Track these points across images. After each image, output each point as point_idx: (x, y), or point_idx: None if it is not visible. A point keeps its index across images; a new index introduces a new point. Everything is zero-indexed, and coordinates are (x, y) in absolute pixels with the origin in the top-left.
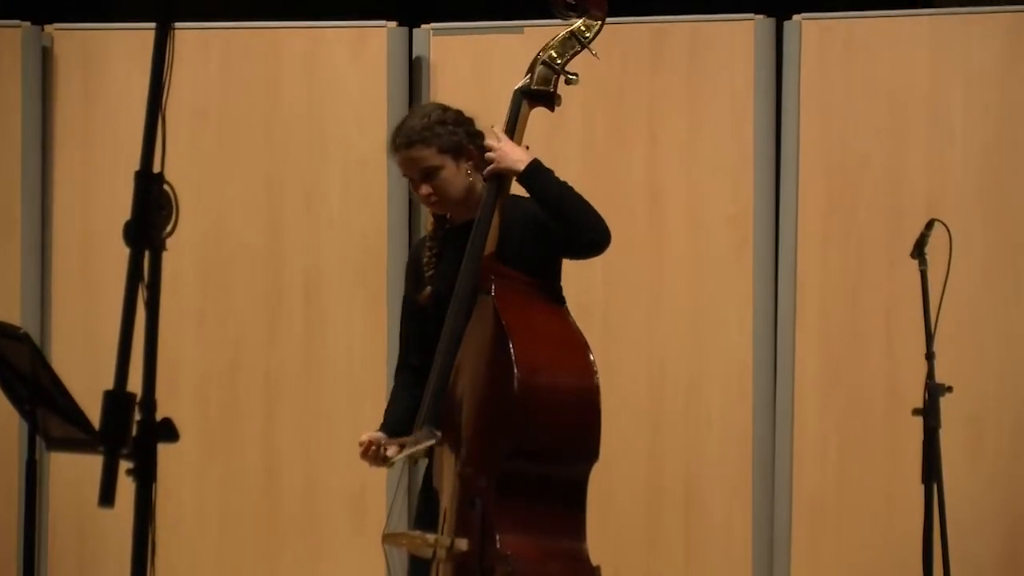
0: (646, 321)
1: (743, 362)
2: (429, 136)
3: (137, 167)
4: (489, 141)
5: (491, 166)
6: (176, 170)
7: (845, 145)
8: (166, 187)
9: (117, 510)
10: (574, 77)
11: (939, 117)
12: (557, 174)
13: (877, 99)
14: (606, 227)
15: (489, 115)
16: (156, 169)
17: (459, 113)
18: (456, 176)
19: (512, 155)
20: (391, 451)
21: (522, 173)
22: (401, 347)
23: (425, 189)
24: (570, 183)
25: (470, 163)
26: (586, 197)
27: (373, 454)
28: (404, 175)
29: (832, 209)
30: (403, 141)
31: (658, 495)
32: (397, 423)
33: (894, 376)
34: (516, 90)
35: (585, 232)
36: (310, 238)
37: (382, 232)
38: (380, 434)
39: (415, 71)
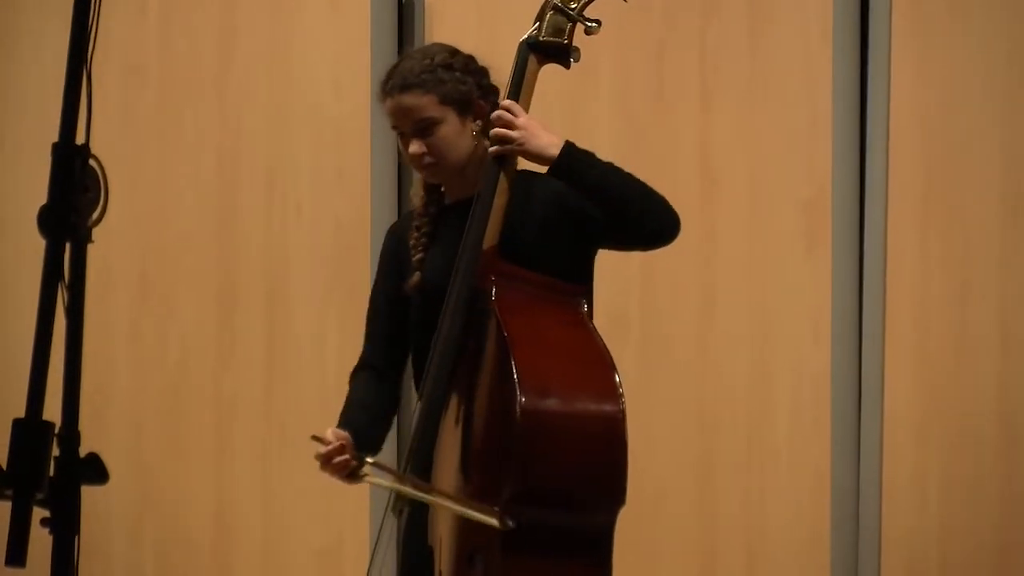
0: (696, 333)
1: (819, 384)
2: (430, 81)
3: (56, 137)
4: (500, 112)
5: (506, 145)
6: (105, 141)
7: (949, 109)
8: (92, 163)
9: (29, 570)
10: (594, 24)
11: None
12: (583, 147)
13: (990, 47)
14: (674, 211)
15: (497, 72)
16: (80, 140)
17: (470, 59)
18: (459, 136)
19: (540, 136)
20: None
21: (555, 161)
22: (366, 344)
23: (417, 146)
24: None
25: (478, 123)
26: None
27: (343, 463)
28: (393, 127)
29: (931, 190)
30: (397, 84)
31: (712, 552)
32: (366, 429)
33: (1010, 401)
34: (522, 42)
35: (649, 220)
36: (273, 228)
37: (364, 221)
38: (347, 435)
39: (405, 17)
